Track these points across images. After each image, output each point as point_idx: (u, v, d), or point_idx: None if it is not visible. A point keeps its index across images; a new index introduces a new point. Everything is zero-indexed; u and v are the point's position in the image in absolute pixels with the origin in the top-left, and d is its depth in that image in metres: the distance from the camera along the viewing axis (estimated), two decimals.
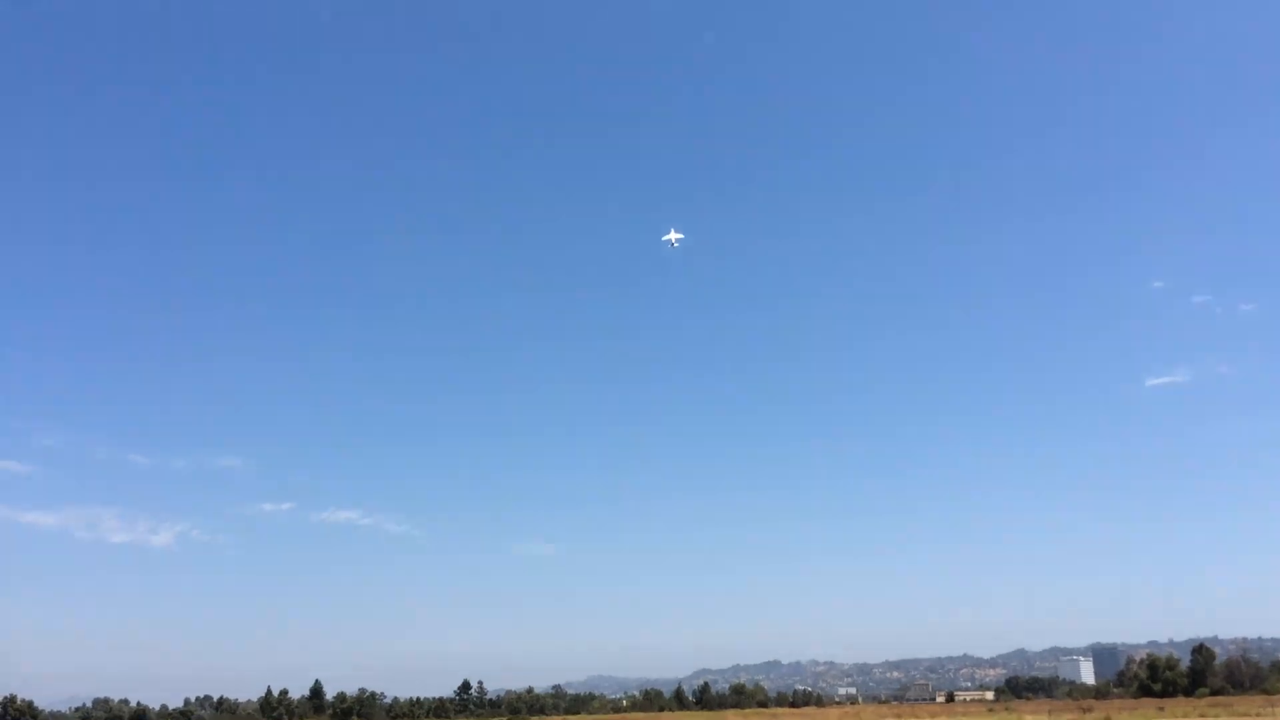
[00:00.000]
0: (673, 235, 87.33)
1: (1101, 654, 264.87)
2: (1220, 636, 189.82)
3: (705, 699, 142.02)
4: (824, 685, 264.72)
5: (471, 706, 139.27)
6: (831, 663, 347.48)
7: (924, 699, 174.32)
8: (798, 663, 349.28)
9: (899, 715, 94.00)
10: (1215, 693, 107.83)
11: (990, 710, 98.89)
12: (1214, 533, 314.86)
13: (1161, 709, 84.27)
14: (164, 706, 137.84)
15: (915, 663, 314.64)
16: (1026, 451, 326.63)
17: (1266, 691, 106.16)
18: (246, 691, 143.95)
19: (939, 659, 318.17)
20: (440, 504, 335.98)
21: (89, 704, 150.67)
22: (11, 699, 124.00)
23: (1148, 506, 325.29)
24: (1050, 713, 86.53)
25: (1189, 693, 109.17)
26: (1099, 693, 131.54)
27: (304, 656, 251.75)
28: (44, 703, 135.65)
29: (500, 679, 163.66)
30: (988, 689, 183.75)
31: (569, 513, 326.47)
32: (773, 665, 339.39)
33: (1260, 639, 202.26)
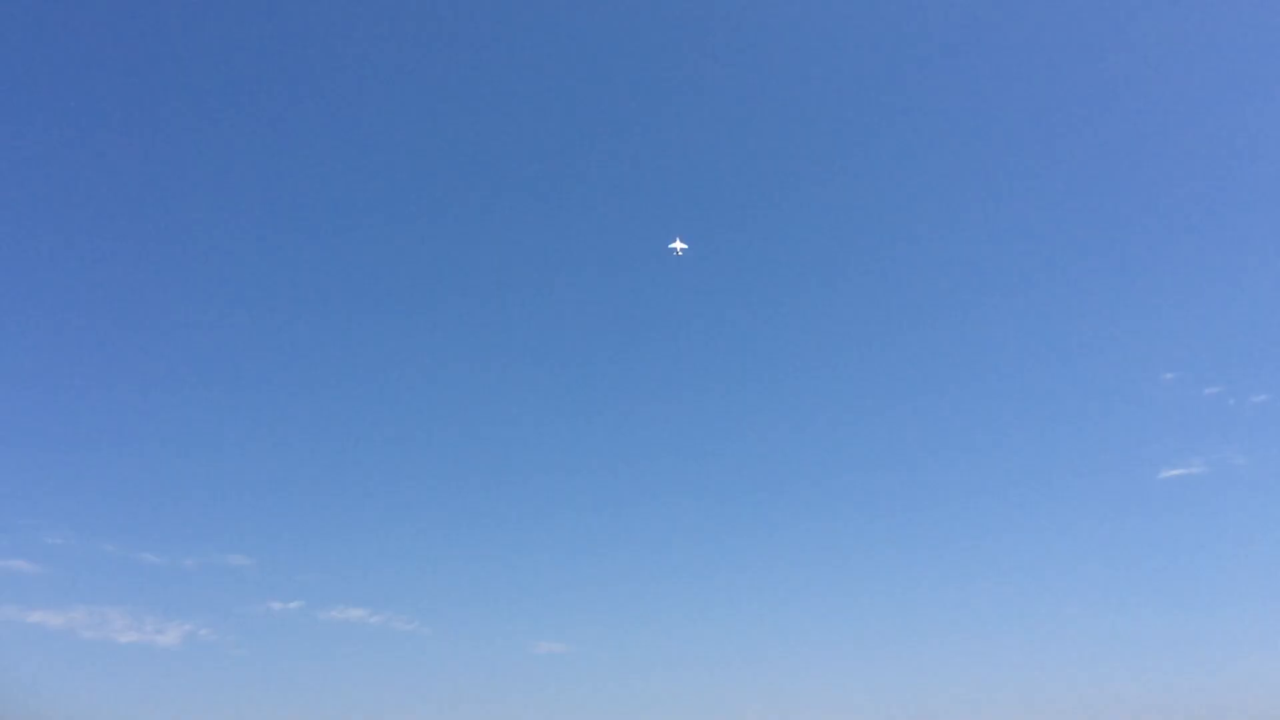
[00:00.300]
0: (678, 244, 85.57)
1: None
2: None
3: None
4: None
5: None
6: None
7: None
8: None
9: None
10: None
11: None
12: (1228, 624, 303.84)
13: None
14: None
15: None
16: (1034, 546, 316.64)
17: None
18: None
19: None
20: (449, 600, 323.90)
21: None
22: None
23: (1162, 597, 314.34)
24: None
25: None
26: None
27: None
28: None
29: None
30: None
31: (582, 610, 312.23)
32: None
33: None
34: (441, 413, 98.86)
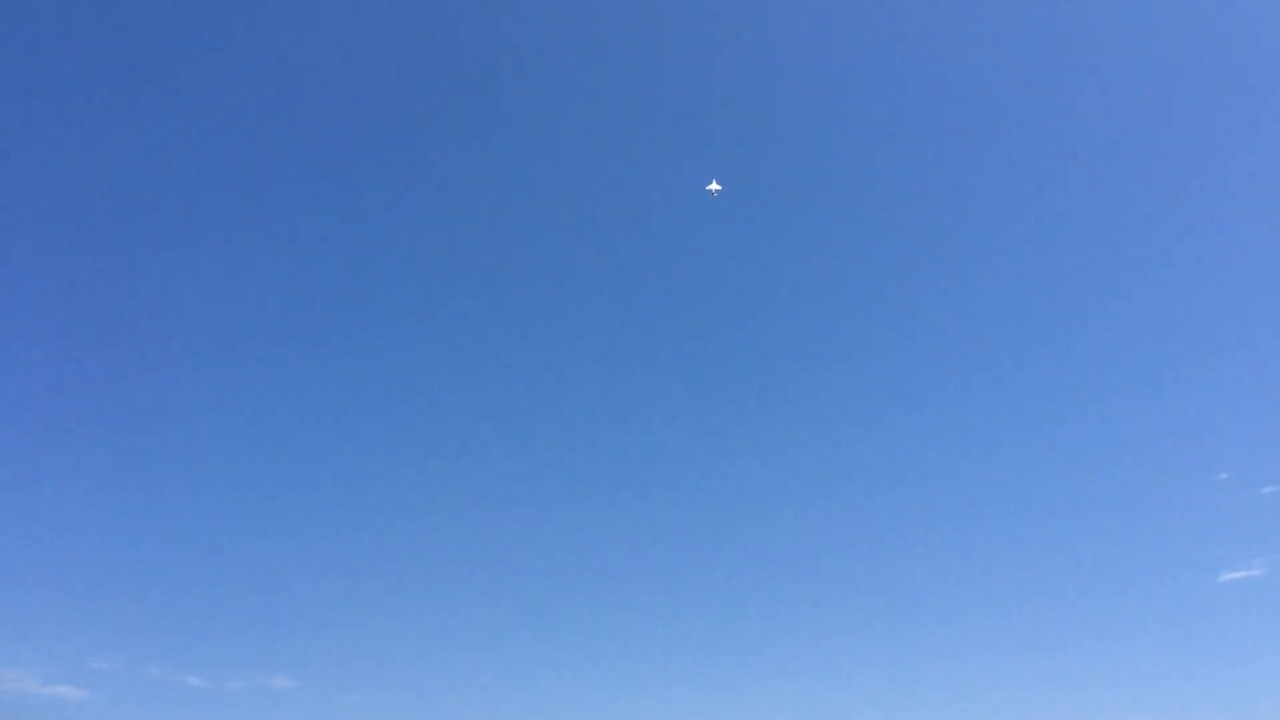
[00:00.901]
0: (714, 185, 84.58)
1: None
2: None
3: None
4: None
5: None
6: None
7: None
8: None
9: None
10: None
11: None
12: None
13: None
14: None
15: None
16: (1095, 658, 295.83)
17: None
18: None
19: None
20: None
21: None
22: None
23: (1229, 707, 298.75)
24: None
25: None
26: None
27: None
28: None
29: None
30: None
31: None
32: None
33: None
34: (493, 552, 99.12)
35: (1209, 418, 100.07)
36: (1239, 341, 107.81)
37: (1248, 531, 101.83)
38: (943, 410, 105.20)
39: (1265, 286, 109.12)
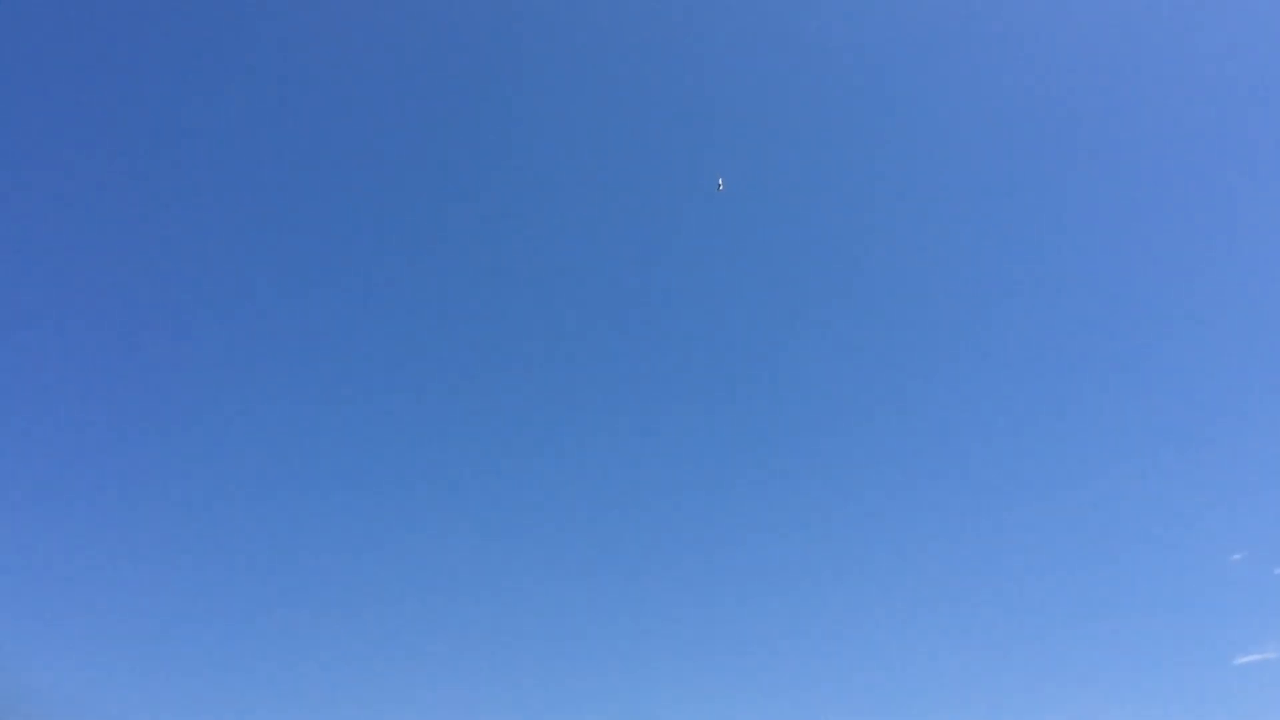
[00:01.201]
0: (720, 182, 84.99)
1: None
2: None
3: None
4: None
5: None
6: None
7: None
8: None
9: None
10: None
11: None
12: None
13: None
14: None
15: None
16: None
17: None
18: None
19: None
20: None
21: None
22: None
23: None
24: None
25: None
26: None
27: None
28: None
29: None
30: None
31: None
32: None
33: None
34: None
35: (1222, 498, 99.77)
36: (1253, 422, 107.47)
37: (1263, 613, 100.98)
38: (945, 504, 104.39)
39: (1276, 373, 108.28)
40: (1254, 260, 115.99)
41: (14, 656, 74.66)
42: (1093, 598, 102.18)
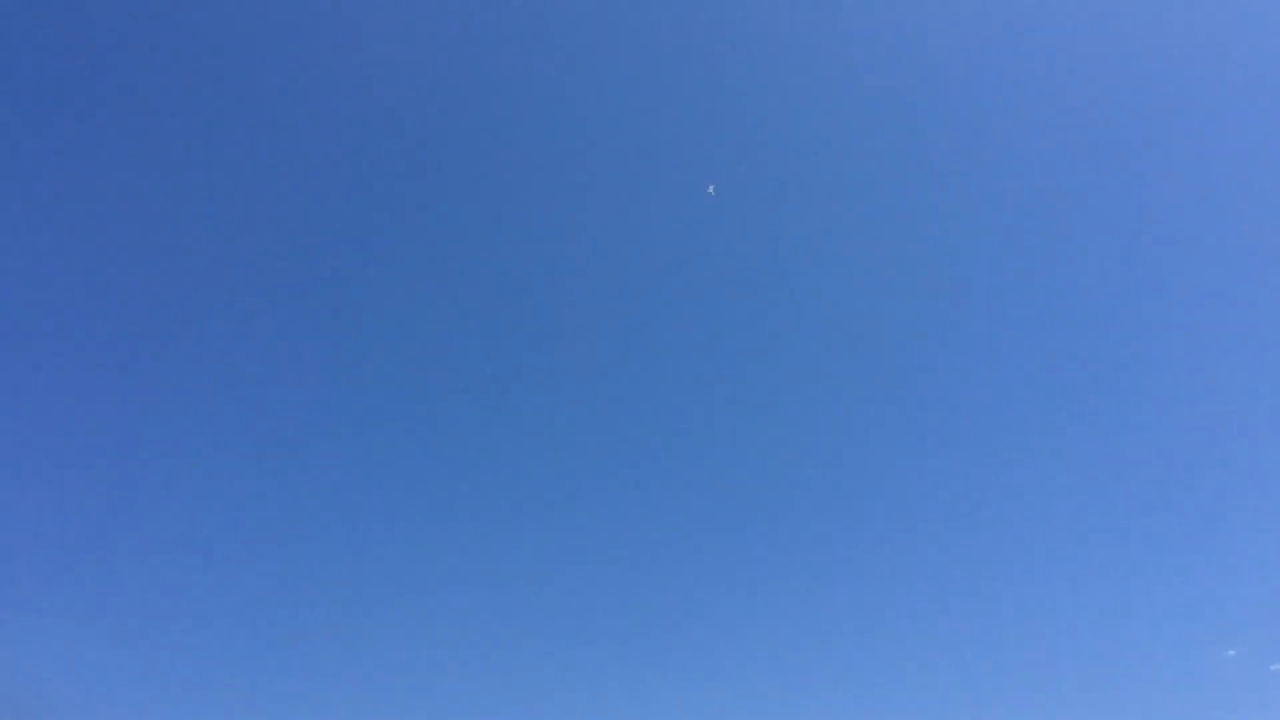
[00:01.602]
0: (711, 189, 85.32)
1: None
2: None
3: None
4: None
5: None
6: None
7: None
8: None
9: None
10: None
11: None
12: None
13: None
14: None
15: None
16: None
17: None
18: None
19: None
20: None
21: None
22: None
23: None
24: None
25: None
26: None
27: None
28: None
29: None
30: None
31: None
32: None
33: None
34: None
35: (1215, 592, 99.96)
36: (1246, 516, 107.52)
37: (1258, 710, 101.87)
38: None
39: (1266, 468, 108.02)
40: (1239, 372, 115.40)
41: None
42: (1083, 697, 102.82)
